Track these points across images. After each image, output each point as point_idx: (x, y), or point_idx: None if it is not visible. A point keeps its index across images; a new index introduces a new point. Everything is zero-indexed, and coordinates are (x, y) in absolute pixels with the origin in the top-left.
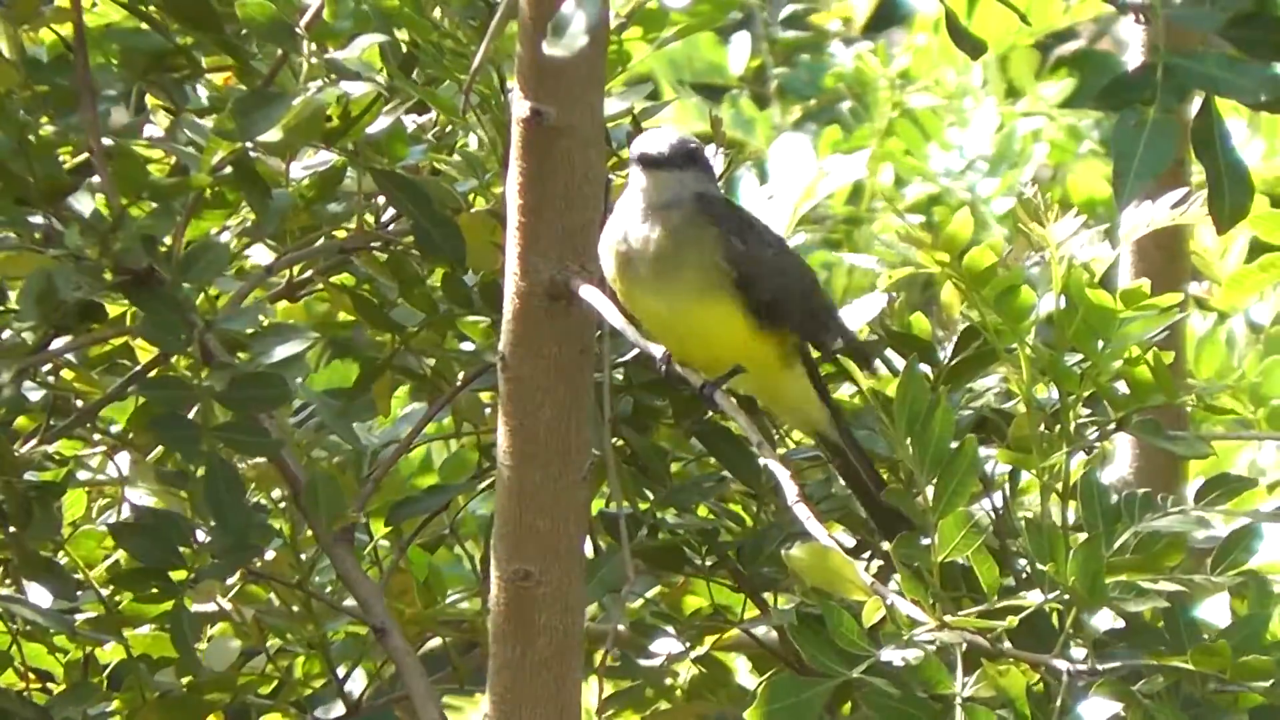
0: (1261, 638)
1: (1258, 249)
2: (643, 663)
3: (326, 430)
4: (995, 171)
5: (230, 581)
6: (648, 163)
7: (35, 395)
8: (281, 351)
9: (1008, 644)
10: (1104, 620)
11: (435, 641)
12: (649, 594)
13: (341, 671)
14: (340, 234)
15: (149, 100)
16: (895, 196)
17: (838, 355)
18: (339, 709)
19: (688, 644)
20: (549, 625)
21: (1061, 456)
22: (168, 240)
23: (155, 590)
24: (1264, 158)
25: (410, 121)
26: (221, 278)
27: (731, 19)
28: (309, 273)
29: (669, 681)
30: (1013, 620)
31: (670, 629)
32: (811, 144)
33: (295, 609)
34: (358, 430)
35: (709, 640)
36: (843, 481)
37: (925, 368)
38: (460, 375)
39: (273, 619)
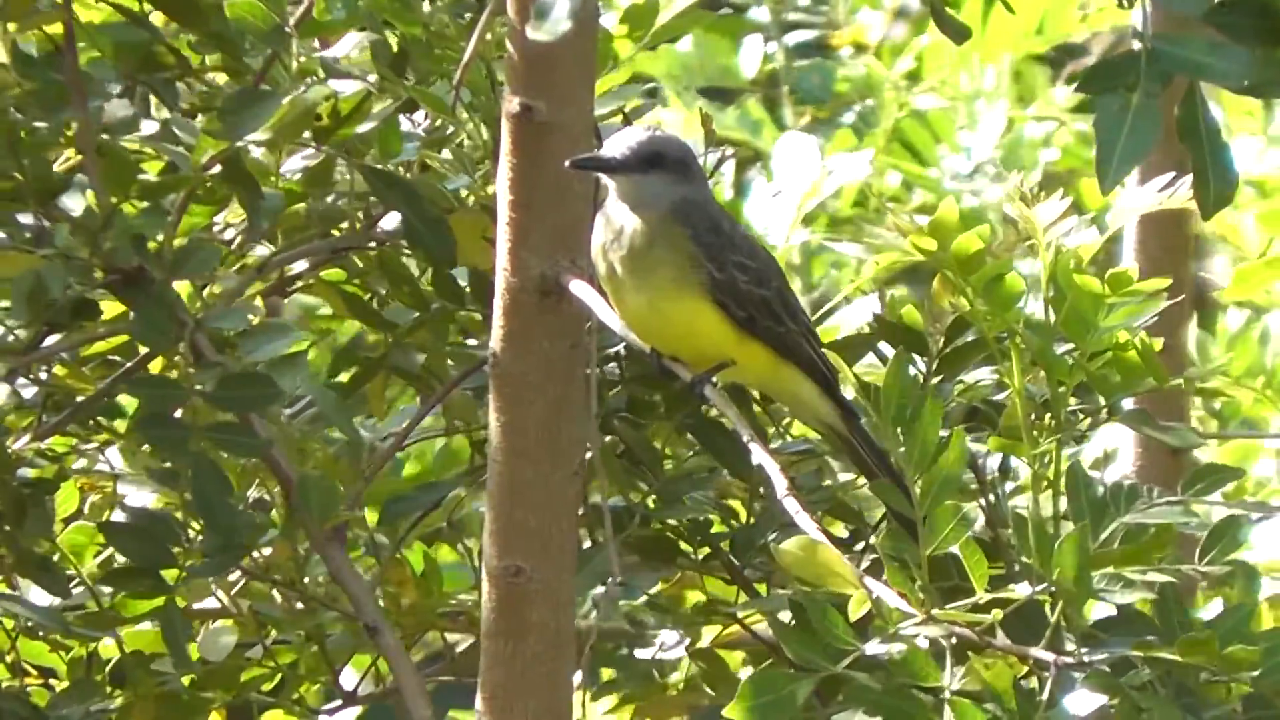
0: (1248, 628)
1: None
2: (639, 655)
3: (323, 423)
4: (1003, 176)
5: (232, 578)
6: (606, 167)
7: (29, 392)
8: (269, 350)
9: (1001, 635)
10: (1100, 609)
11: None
12: (652, 590)
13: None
14: (334, 232)
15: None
16: (903, 198)
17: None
18: (335, 700)
19: (687, 639)
20: (540, 621)
21: (1052, 445)
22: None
23: (146, 588)
24: None
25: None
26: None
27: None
28: (299, 269)
29: (674, 676)
30: (998, 614)
31: (667, 623)
32: (822, 148)
33: (299, 606)
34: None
35: (706, 634)
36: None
37: (918, 360)
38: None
39: (270, 611)
